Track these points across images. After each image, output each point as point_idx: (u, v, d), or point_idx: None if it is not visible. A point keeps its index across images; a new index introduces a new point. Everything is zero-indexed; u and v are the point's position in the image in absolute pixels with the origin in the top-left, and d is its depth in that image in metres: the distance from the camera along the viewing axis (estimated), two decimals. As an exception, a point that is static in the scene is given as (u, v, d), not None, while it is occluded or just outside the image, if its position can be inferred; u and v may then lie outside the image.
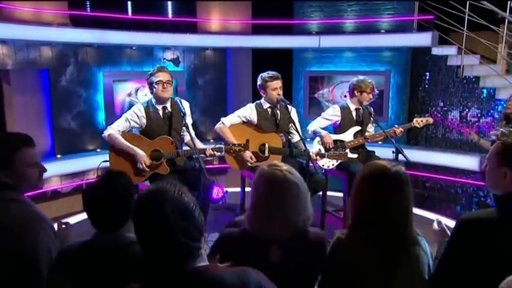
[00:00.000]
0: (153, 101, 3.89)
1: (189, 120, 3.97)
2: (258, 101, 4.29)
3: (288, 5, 7.01)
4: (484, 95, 5.99)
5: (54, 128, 5.85)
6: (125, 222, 1.83)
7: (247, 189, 4.68)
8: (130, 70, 6.37)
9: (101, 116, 6.20)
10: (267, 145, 4.12)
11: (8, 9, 5.45)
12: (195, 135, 3.98)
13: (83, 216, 4.83)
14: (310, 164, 3.88)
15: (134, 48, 6.35)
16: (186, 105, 3.96)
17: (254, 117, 4.19)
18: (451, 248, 1.93)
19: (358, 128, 4.54)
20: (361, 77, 4.55)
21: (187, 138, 3.90)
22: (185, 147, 3.91)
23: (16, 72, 5.54)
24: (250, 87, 6.90)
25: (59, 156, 5.81)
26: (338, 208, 4.63)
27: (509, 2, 5.88)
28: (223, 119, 4.19)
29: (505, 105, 5.13)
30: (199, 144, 3.89)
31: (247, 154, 4.03)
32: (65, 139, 5.90)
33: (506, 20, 6.03)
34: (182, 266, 1.44)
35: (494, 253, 1.83)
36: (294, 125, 4.03)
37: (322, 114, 4.71)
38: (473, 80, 6.06)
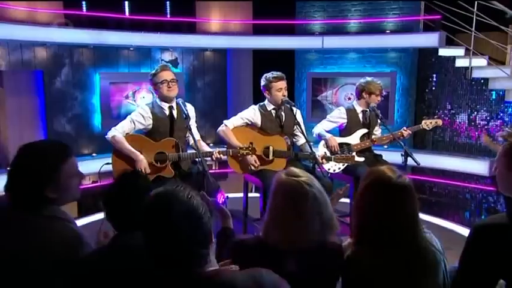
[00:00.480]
0: (158, 101, 3.88)
1: (193, 123, 3.97)
2: (261, 103, 4.27)
3: (290, 5, 7.03)
4: (493, 97, 6.00)
5: (49, 131, 5.84)
6: None
7: (251, 194, 4.66)
8: (128, 72, 6.37)
9: (97, 119, 6.18)
10: (271, 148, 4.10)
11: (1, 8, 5.45)
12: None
13: (81, 222, 4.83)
14: (317, 168, 3.86)
15: (131, 49, 6.37)
16: (190, 108, 3.96)
17: (258, 120, 4.18)
18: (468, 257, 1.93)
19: (364, 130, 4.53)
20: (369, 78, 4.54)
21: (192, 141, 3.89)
22: (190, 151, 3.89)
23: (9, 74, 5.54)
24: (251, 90, 6.90)
25: (53, 160, 5.76)
26: (344, 214, 4.61)
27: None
28: (225, 122, 4.18)
29: None
30: (205, 148, 3.88)
31: (252, 157, 4.01)
32: (59, 143, 5.87)
33: (515, 20, 6.06)
34: (190, 271, 1.43)
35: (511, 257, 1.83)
36: (300, 127, 4.01)
37: (328, 116, 4.70)
38: (482, 82, 6.08)
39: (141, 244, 1.69)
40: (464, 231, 5.42)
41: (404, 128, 4.55)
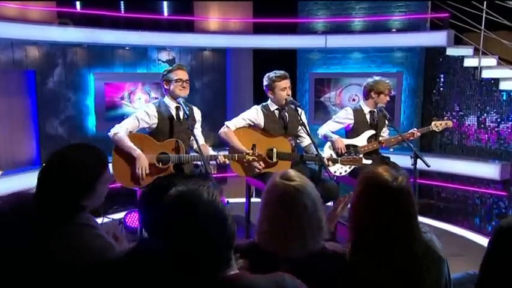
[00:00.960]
0: (167, 99, 3.90)
1: (198, 127, 4.04)
2: (264, 103, 4.26)
3: (292, 3, 7.03)
4: (504, 98, 5.98)
5: (40, 134, 5.80)
6: None
7: (253, 199, 4.63)
8: (123, 72, 6.34)
9: (91, 122, 6.15)
10: (275, 150, 4.09)
11: (-8, 5, 5.43)
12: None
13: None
14: (323, 170, 3.85)
15: (127, 48, 6.34)
16: (197, 112, 4.05)
17: (261, 121, 4.17)
18: (492, 260, 1.90)
19: (372, 132, 4.52)
20: (377, 78, 4.54)
21: (195, 145, 3.90)
22: (193, 154, 3.90)
23: (0, 74, 5.50)
24: (251, 91, 6.88)
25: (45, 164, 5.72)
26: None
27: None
28: (227, 123, 4.16)
29: None
30: (210, 152, 3.89)
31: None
32: (51, 146, 5.81)
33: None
34: (215, 275, 1.43)
35: None
36: (305, 127, 4.00)
37: (334, 117, 4.69)
38: (492, 82, 6.06)
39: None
40: (475, 237, 5.42)
41: (415, 129, 4.54)
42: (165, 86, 3.91)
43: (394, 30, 6.65)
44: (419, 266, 1.85)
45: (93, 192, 1.90)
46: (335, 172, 4.27)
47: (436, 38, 6.34)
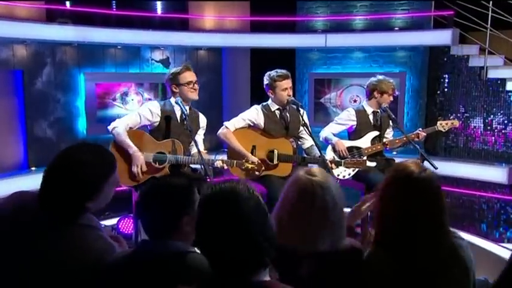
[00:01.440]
0: (173, 101, 3.90)
1: (201, 134, 4.05)
2: (264, 103, 4.25)
3: (291, 0, 7.06)
4: (511, 99, 6.03)
5: (28, 136, 5.76)
6: (175, 231, 1.84)
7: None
8: (115, 72, 6.33)
9: (81, 123, 6.13)
10: (276, 152, 4.07)
11: (-23, 2, 5.42)
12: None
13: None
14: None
15: (119, 47, 6.33)
16: (202, 119, 4.05)
17: (261, 121, 4.15)
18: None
19: (376, 133, 4.51)
20: (380, 77, 4.53)
21: (193, 150, 3.90)
22: (191, 157, 3.92)
23: (-15, 73, 5.49)
24: (248, 92, 6.89)
25: (33, 168, 5.71)
26: (355, 223, 4.58)
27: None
28: (226, 123, 4.15)
29: None
30: (206, 156, 3.89)
31: (255, 161, 3.99)
32: (40, 149, 5.80)
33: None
34: (251, 276, 1.44)
35: None
36: (307, 128, 4.00)
37: (336, 118, 4.68)
38: (498, 82, 6.10)
39: (179, 253, 1.77)
40: (482, 244, 5.41)
41: (420, 129, 4.53)
42: (174, 90, 3.91)
43: (396, 28, 6.69)
44: (442, 269, 1.84)
45: (100, 194, 1.90)
46: (338, 176, 4.26)
47: (440, 37, 6.38)
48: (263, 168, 3.93)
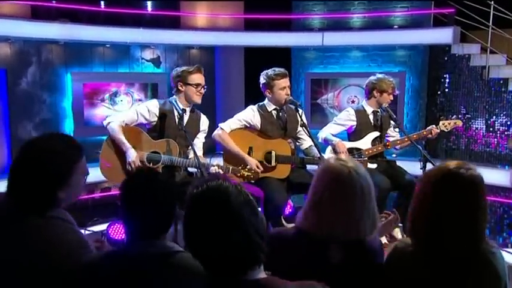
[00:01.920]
0: (176, 100, 3.90)
1: (201, 138, 4.08)
2: (260, 103, 4.27)
3: (286, -2, 7.09)
4: (514, 99, 6.08)
5: (12, 138, 5.73)
6: (167, 229, 1.87)
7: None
8: (103, 71, 6.32)
9: (68, 125, 6.10)
10: (273, 153, 4.09)
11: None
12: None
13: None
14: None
15: (107, 46, 6.31)
16: (204, 121, 4.10)
17: (257, 122, 4.17)
18: None
19: (376, 133, 4.54)
20: (380, 75, 4.57)
21: (191, 154, 3.91)
22: (187, 159, 3.92)
23: (-33, 73, 5.46)
24: (242, 92, 6.89)
25: (17, 172, 5.66)
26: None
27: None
28: (221, 125, 4.16)
29: None
30: (203, 160, 3.91)
31: (253, 162, 4.00)
32: (25, 152, 5.77)
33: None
34: (245, 274, 1.45)
35: None
36: (306, 128, 4.02)
37: (335, 119, 4.71)
38: (501, 82, 6.15)
39: (163, 252, 1.79)
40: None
41: (434, 126, 4.54)
42: (180, 88, 3.91)
43: (395, 26, 6.74)
44: (471, 273, 1.84)
45: (68, 184, 1.93)
46: (338, 177, 4.28)
47: (441, 35, 6.43)
48: (259, 175, 3.95)
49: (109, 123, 3.80)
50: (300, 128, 4.23)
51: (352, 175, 1.91)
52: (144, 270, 1.74)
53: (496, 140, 6.21)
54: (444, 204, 1.84)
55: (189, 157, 3.92)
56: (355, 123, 4.57)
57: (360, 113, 4.60)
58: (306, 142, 4.29)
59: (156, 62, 6.69)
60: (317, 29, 7.00)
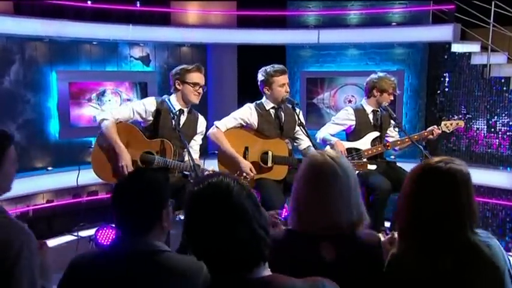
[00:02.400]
0: (173, 99, 3.90)
1: (198, 139, 4.10)
2: (258, 101, 4.27)
3: (281, -6, 7.10)
4: (516, 99, 6.12)
5: (-5, 140, 5.68)
6: (156, 226, 1.89)
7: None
8: (90, 70, 6.29)
9: (53, 126, 6.07)
10: (270, 153, 4.09)
11: None
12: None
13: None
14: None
15: (94, 43, 6.30)
16: (201, 122, 4.11)
17: (254, 120, 4.17)
18: None
19: (376, 133, 4.56)
20: (381, 74, 4.60)
21: (186, 157, 3.91)
22: (182, 162, 3.92)
23: None
24: (235, 91, 6.90)
25: (-1, 175, 5.62)
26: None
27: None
28: (217, 123, 4.16)
29: None
30: (198, 163, 3.91)
31: (247, 165, 4.00)
32: (7, 154, 5.72)
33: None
34: (250, 271, 1.46)
35: None
36: (304, 128, 4.03)
37: (333, 118, 4.72)
38: (502, 81, 6.18)
39: (157, 250, 1.82)
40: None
41: (435, 126, 4.57)
42: (177, 86, 3.91)
43: (394, 24, 6.77)
44: (461, 267, 1.87)
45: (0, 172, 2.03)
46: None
47: (441, 33, 6.46)
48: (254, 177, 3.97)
49: (103, 120, 3.79)
50: (297, 128, 4.23)
51: (327, 161, 1.98)
52: (130, 267, 1.78)
53: (497, 140, 6.24)
54: (423, 197, 1.92)
55: (184, 159, 3.91)
56: (354, 122, 4.58)
57: (359, 112, 4.61)
58: (304, 142, 4.29)
59: (145, 60, 6.68)
60: (313, 26, 7.02)
